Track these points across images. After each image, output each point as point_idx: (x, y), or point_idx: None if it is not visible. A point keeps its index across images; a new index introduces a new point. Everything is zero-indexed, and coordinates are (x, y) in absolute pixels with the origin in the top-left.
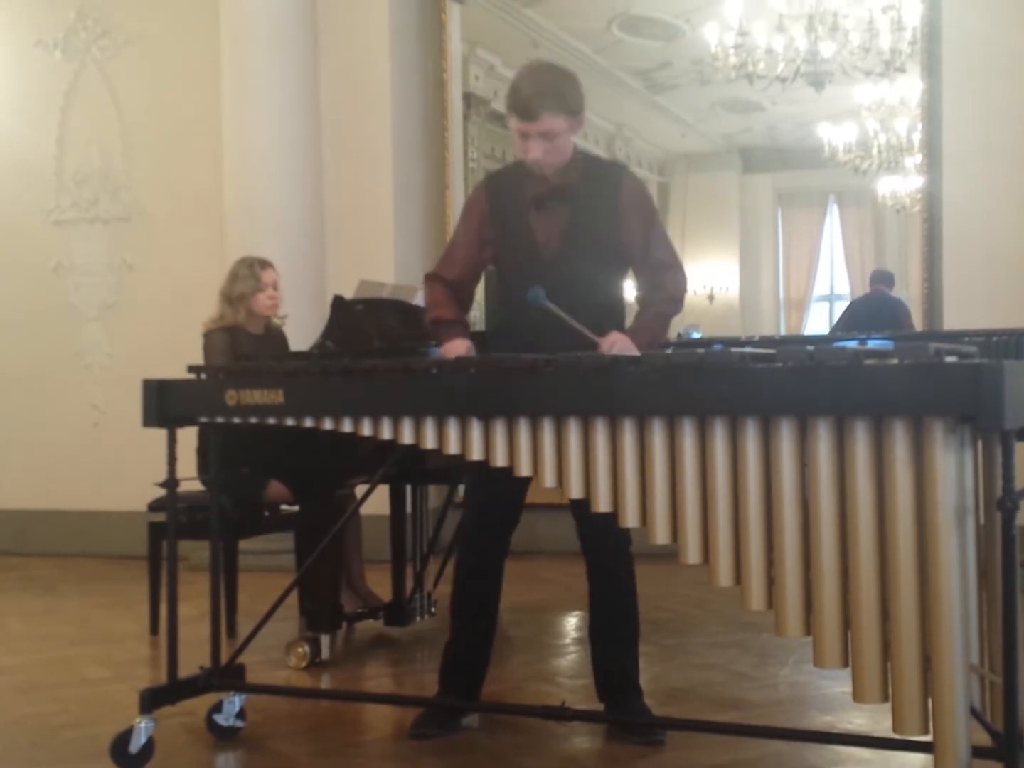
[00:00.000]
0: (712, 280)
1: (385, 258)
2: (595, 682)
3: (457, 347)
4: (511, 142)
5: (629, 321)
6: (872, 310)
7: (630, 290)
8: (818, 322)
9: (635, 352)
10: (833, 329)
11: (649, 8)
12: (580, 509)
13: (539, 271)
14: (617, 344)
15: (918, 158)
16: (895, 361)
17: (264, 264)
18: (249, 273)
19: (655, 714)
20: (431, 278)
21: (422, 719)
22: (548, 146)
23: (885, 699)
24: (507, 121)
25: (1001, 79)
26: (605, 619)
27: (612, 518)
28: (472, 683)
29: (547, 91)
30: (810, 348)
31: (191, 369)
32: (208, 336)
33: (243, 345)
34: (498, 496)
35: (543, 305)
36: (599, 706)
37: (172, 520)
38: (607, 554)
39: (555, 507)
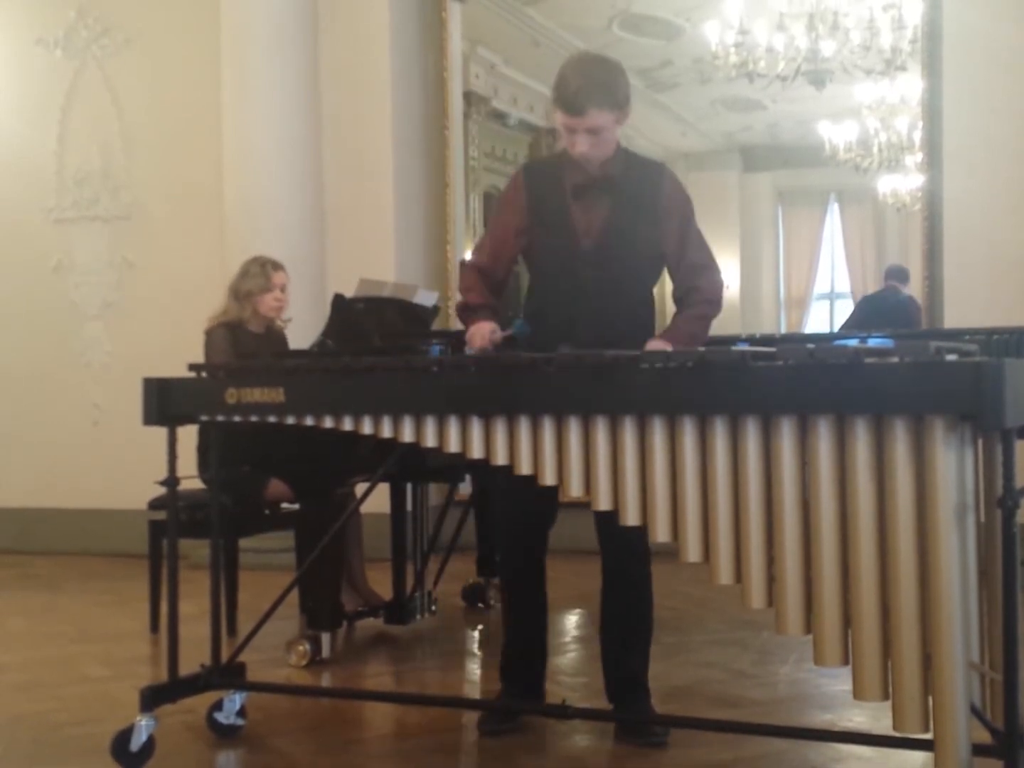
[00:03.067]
0: None
1: (385, 257)
2: (604, 682)
3: (482, 328)
4: (512, 141)
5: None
6: (883, 308)
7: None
8: (819, 321)
9: None
10: (843, 327)
11: (649, 6)
12: None
13: (577, 260)
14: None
15: (919, 156)
16: (895, 359)
17: (276, 266)
18: (260, 272)
19: (655, 712)
20: (465, 265)
21: (487, 716)
22: (594, 140)
23: (885, 697)
24: (552, 114)
25: (1002, 77)
26: (617, 619)
27: None
28: (532, 678)
29: (594, 86)
30: (811, 346)
31: (191, 367)
32: (210, 332)
33: (244, 343)
34: (531, 499)
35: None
36: (600, 704)
37: (173, 518)
38: (624, 553)
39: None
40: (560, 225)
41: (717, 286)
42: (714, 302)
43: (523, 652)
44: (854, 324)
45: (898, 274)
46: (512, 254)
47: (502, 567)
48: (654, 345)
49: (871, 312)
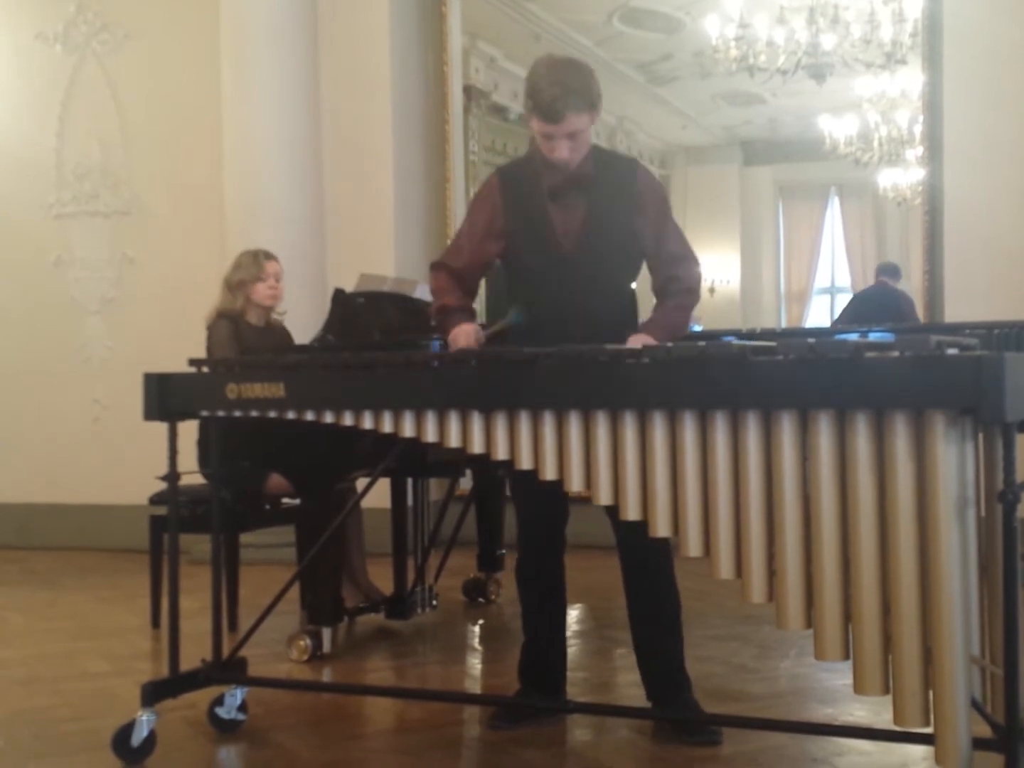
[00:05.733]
0: (713, 273)
1: (385, 251)
2: (643, 680)
3: (466, 331)
4: (512, 135)
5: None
6: (876, 303)
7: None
8: (819, 315)
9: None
10: (835, 323)
11: (650, 0)
12: None
13: (559, 261)
14: (639, 343)
15: (919, 150)
16: (896, 353)
17: (269, 256)
18: (252, 262)
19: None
20: (437, 266)
21: (498, 712)
22: (573, 145)
23: (886, 691)
24: (528, 120)
25: (1002, 71)
26: (644, 612)
27: None
28: (552, 679)
29: (570, 92)
30: (811, 341)
31: (192, 363)
32: (211, 326)
33: (246, 335)
34: (543, 498)
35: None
36: (599, 698)
37: (173, 513)
38: (643, 542)
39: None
40: (539, 227)
41: (695, 276)
42: (693, 291)
43: (542, 653)
44: (847, 320)
45: (889, 271)
46: (489, 258)
47: (521, 566)
48: (636, 340)
49: (863, 307)
